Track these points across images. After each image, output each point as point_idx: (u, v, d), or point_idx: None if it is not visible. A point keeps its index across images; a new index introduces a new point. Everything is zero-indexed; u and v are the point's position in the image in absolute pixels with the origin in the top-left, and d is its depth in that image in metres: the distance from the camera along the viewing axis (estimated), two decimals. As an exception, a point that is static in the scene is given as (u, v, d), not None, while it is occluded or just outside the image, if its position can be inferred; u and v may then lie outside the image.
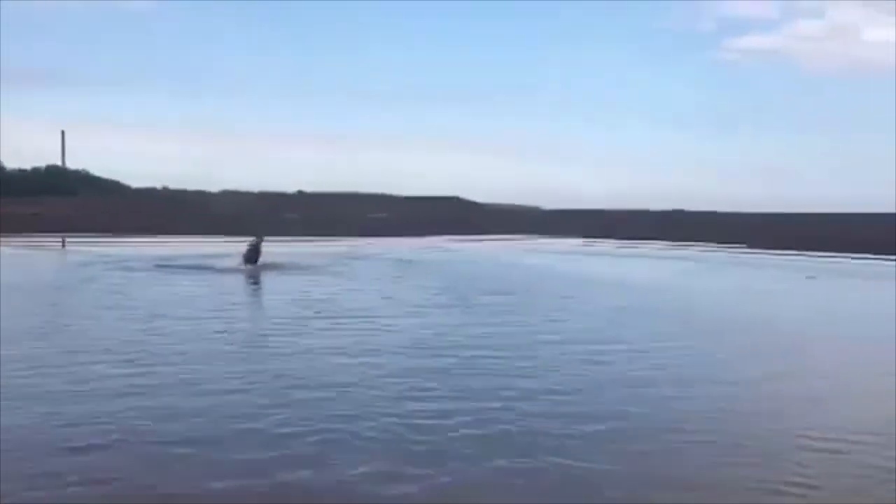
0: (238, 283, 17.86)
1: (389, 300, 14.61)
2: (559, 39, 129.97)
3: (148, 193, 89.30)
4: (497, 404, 7.06)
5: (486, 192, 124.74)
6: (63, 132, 76.05)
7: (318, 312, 12.66)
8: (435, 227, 46.55)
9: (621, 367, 9.06)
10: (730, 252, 34.07)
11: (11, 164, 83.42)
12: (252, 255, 19.74)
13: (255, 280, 18.23)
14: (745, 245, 36.31)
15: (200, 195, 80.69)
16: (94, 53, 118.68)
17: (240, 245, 20.76)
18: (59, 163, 78.06)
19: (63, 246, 28.49)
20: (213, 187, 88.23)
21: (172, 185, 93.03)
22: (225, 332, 10.68)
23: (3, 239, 29.31)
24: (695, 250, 34.82)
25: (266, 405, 6.86)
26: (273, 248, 22.86)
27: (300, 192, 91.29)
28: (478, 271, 21.95)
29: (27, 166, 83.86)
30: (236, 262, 19.97)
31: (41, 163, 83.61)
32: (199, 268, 19.74)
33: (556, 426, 6.42)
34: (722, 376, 8.91)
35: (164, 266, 19.79)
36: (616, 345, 10.41)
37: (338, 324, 11.50)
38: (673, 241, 40.15)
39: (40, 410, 6.52)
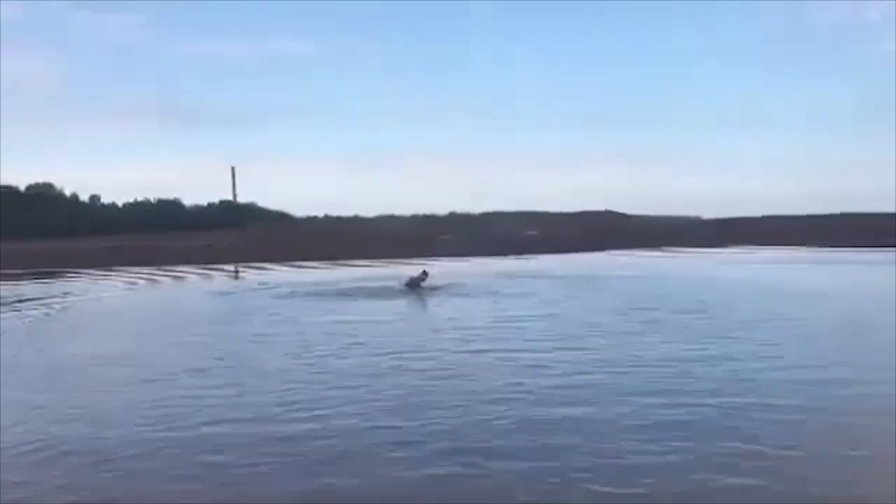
0: (423, 309, 17.08)
1: (593, 327, 13.03)
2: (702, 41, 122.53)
3: (310, 222, 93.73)
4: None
5: (637, 204, 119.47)
6: (233, 168, 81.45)
7: (509, 343, 11.53)
8: (590, 242, 44.42)
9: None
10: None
11: (189, 200, 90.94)
12: (416, 283, 19.70)
13: (425, 304, 17.46)
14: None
15: (358, 221, 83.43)
16: (258, 93, 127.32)
17: (400, 267, 20.27)
18: (230, 197, 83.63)
19: (236, 275, 29.68)
20: (369, 213, 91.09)
21: (332, 213, 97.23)
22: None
23: (182, 269, 31.06)
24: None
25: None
26: (432, 270, 22.26)
27: (452, 214, 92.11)
28: (656, 288, 19.93)
29: (203, 202, 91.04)
30: (401, 283, 19.88)
31: (215, 198, 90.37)
32: (372, 292, 19.51)
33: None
34: None
35: (341, 293, 19.50)
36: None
37: (549, 358, 10.19)
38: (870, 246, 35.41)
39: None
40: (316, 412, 7.48)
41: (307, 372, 9.44)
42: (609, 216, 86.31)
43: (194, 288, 24.01)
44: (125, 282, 26.17)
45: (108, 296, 21.47)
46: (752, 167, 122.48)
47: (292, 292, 19.68)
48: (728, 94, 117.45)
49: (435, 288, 19.41)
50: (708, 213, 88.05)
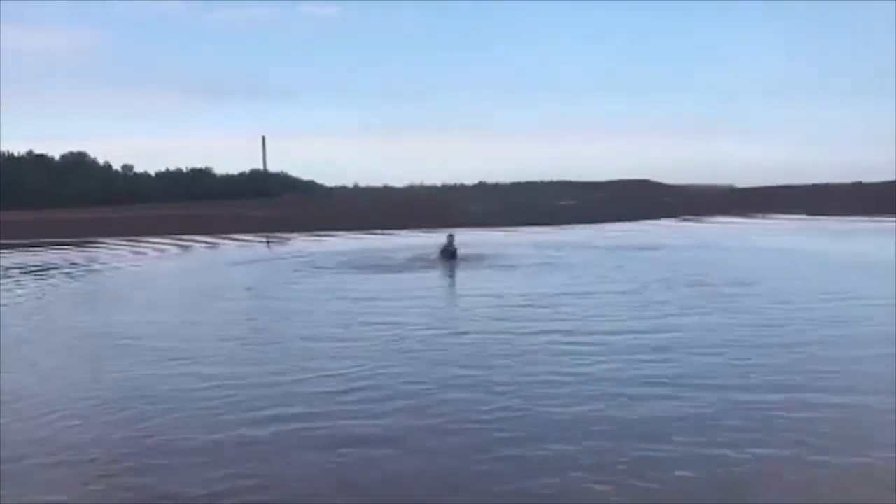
0: (460, 279, 16.36)
1: (636, 296, 12.33)
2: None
3: (340, 192, 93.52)
4: None
5: (673, 173, 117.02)
6: (263, 138, 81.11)
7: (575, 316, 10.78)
8: (628, 211, 43.19)
9: None
10: None
11: (220, 170, 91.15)
12: (449, 252, 18.58)
13: (462, 278, 16.72)
14: None
15: (387, 190, 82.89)
16: (285, 61, 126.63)
17: (430, 237, 19.52)
18: (260, 167, 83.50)
19: (268, 245, 29.31)
20: (399, 182, 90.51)
21: (362, 183, 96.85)
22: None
23: (211, 239, 30.76)
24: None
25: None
26: (466, 238, 21.55)
27: (481, 183, 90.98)
28: (704, 258, 18.97)
29: (234, 171, 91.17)
30: (434, 254, 19.12)
31: (246, 168, 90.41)
32: (411, 261, 18.87)
33: None
34: None
35: (381, 263, 18.80)
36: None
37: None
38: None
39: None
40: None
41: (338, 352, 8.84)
42: (650, 185, 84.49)
43: (226, 256, 23.59)
44: (157, 250, 25.93)
45: (140, 265, 21.20)
46: (787, 135, 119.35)
47: (320, 265, 18.93)
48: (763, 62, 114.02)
49: (467, 259, 18.63)
50: (741, 182, 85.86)
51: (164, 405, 6.68)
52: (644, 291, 12.91)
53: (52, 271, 19.25)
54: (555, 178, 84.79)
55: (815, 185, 64.86)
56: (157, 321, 11.22)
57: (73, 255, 24.51)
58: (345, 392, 6.96)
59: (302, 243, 28.04)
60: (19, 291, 15.43)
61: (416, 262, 18.57)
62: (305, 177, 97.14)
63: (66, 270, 19.45)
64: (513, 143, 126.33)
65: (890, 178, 62.97)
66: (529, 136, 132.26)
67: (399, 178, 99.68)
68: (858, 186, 64.22)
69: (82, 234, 33.24)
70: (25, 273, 18.98)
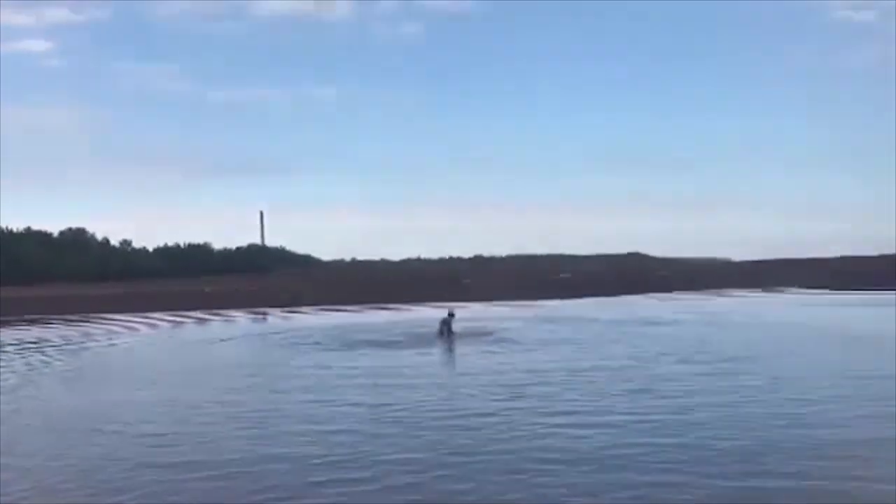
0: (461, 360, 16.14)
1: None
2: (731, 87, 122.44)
3: (337, 265, 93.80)
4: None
5: (665, 247, 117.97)
6: (262, 213, 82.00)
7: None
8: (621, 285, 43.28)
9: None
10: None
11: (219, 244, 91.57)
12: (445, 329, 18.53)
13: (455, 356, 16.54)
14: None
15: (384, 264, 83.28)
16: (285, 141, 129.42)
17: (427, 310, 19.35)
18: (259, 241, 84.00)
19: (264, 319, 29.20)
20: (395, 257, 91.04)
21: (359, 257, 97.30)
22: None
23: (211, 315, 30.64)
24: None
25: None
26: (465, 314, 21.47)
27: (477, 256, 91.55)
28: (707, 333, 18.91)
29: (232, 246, 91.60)
30: (433, 331, 18.83)
31: (244, 242, 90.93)
32: (398, 341, 18.55)
33: None
34: None
35: (375, 341, 18.51)
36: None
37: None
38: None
39: None
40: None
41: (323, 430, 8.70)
42: (641, 258, 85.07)
43: (215, 333, 23.43)
44: (150, 326, 25.77)
45: (131, 341, 21.04)
46: (777, 209, 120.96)
47: (316, 341, 18.71)
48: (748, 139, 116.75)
49: (465, 335, 18.42)
50: (736, 256, 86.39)
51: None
52: (642, 369, 12.82)
53: (46, 347, 19.13)
54: (550, 252, 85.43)
55: (812, 259, 65.37)
56: (140, 401, 11.07)
57: (69, 330, 24.38)
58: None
59: (297, 318, 27.92)
60: (13, 365, 15.33)
61: (414, 339, 18.39)
62: (303, 250, 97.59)
63: (60, 346, 19.37)
64: (507, 217, 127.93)
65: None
66: (523, 209, 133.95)
67: (395, 252, 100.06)
68: (853, 260, 64.76)
69: (79, 311, 33.11)
70: (21, 349, 18.88)
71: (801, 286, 39.93)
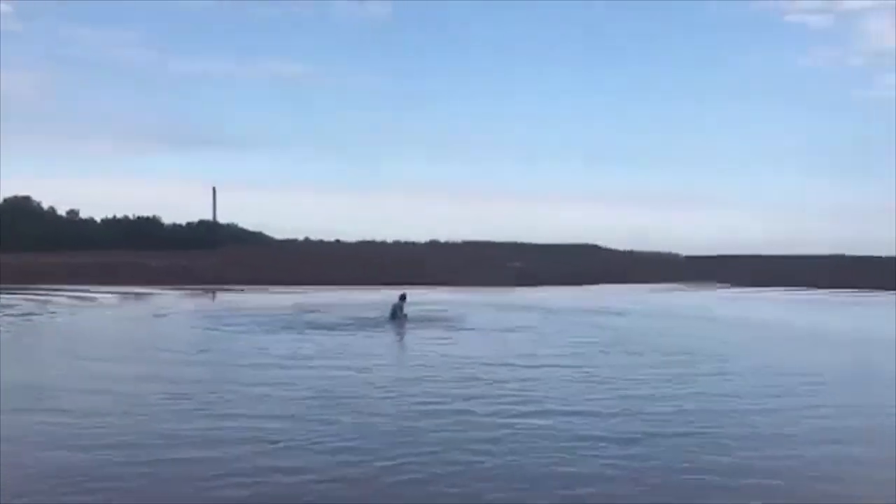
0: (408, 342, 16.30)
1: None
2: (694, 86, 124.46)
3: (290, 245, 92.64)
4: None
5: (621, 240, 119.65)
6: (214, 189, 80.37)
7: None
8: (575, 275, 44.05)
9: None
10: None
11: (169, 219, 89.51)
12: (397, 312, 18.72)
13: (404, 339, 16.70)
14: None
15: (338, 245, 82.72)
16: (242, 114, 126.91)
17: (379, 293, 19.44)
18: (210, 217, 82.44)
19: (213, 297, 28.86)
20: (350, 238, 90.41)
21: (313, 237, 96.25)
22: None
23: (156, 290, 30.15)
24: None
25: None
26: (416, 297, 21.63)
27: (433, 242, 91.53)
28: (655, 325, 19.50)
29: (183, 221, 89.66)
30: (384, 313, 18.96)
31: (195, 218, 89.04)
32: (362, 322, 18.53)
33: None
34: None
35: (324, 322, 18.50)
36: None
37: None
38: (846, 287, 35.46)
39: None
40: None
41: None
42: (597, 250, 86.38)
43: (161, 308, 23.10)
44: (96, 299, 25.26)
45: (76, 315, 20.62)
46: (728, 206, 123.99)
47: (256, 322, 18.28)
48: (710, 134, 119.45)
49: (416, 319, 18.59)
50: (684, 251, 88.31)
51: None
52: (583, 358, 13.21)
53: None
54: (505, 240, 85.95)
55: (759, 256, 67.33)
56: (87, 375, 10.95)
57: (12, 300, 23.68)
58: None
59: (245, 297, 27.71)
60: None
61: (366, 321, 18.48)
62: (256, 228, 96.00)
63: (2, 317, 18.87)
64: (465, 203, 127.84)
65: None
66: (482, 196, 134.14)
67: (351, 233, 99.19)
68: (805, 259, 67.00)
69: (24, 280, 32.14)
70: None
71: (733, 284, 41.46)
